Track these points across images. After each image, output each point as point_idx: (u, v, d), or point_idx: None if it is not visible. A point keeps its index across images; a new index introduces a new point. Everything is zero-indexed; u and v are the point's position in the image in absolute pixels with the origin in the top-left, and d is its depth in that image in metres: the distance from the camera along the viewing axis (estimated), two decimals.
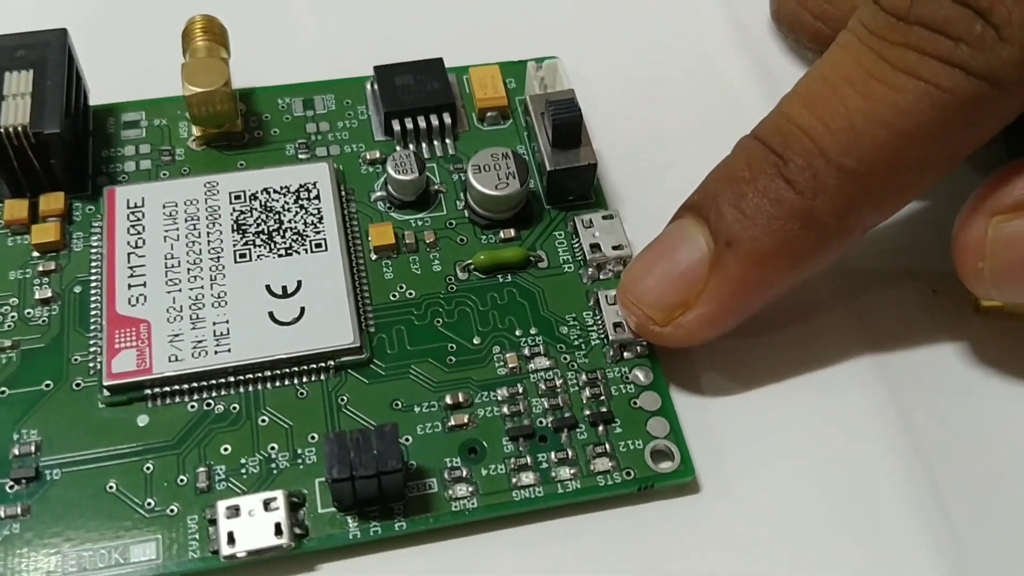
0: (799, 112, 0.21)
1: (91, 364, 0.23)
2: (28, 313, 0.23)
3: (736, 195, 0.21)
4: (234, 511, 0.20)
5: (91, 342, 0.23)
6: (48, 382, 0.22)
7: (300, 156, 0.26)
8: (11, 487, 0.21)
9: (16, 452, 0.21)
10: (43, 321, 0.23)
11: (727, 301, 0.22)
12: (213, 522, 0.21)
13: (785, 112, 0.21)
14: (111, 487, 0.21)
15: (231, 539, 0.20)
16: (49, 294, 0.23)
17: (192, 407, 0.22)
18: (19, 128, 0.23)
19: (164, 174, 0.26)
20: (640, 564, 0.21)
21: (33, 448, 0.21)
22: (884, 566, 0.21)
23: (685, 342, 0.22)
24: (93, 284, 0.24)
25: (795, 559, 0.21)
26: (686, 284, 0.22)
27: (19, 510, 0.21)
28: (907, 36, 0.20)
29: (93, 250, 0.24)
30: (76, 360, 0.23)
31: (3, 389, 0.22)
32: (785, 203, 0.21)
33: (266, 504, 0.20)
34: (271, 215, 0.24)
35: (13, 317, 0.23)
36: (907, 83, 0.20)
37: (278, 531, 0.20)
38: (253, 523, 0.20)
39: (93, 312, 0.23)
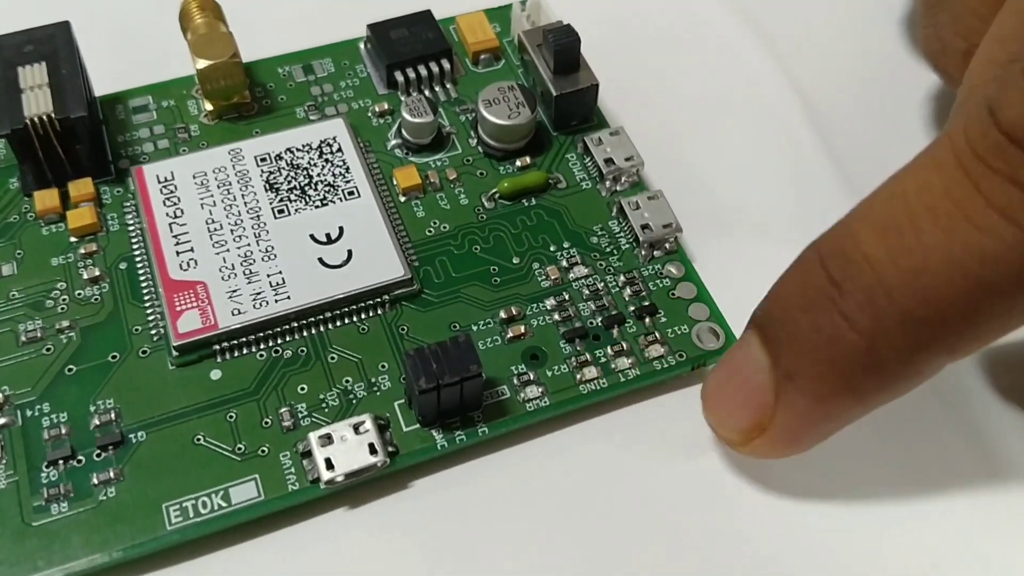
0: (867, 238, 0.18)
1: (153, 331, 0.23)
2: (79, 294, 0.24)
3: (793, 325, 0.19)
4: (327, 439, 0.21)
5: (148, 310, 0.23)
6: (114, 354, 0.23)
7: (311, 117, 0.27)
8: (98, 455, 0.21)
9: (97, 422, 0.22)
10: (95, 299, 0.24)
11: (796, 432, 0.20)
12: (307, 454, 0.21)
13: (853, 232, 0.18)
14: (199, 439, 0.22)
15: (329, 465, 0.21)
16: (97, 273, 0.24)
17: (261, 355, 0.23)
18: (44, 117, 0.24)
19: (183, 150, 0.26)
20: (701, 441, 0.23)
21: (113, 415, 0.22)
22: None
23: (768, 458, 0.22)
24: (138, 258, 0.24)
25: None
26: (756, 408, 0.20)
27: (111, 474, 0.21)
28: (1016, 167, 0.16)
29: (130, 227, 0.25)
30: (137, 330, 0.23)
31: (71, 367, 0.23)
32: (843, 343, 0.18)
33: (356, 428, 0.21)
34: (300, 171, 0.25)
35: (65, 300, 0.24)
36: (1000, 226, 0.16)
37: (372, 451, 0.21)
38: (347, 447, 0.21)
39: (144, 283, 0.24)
